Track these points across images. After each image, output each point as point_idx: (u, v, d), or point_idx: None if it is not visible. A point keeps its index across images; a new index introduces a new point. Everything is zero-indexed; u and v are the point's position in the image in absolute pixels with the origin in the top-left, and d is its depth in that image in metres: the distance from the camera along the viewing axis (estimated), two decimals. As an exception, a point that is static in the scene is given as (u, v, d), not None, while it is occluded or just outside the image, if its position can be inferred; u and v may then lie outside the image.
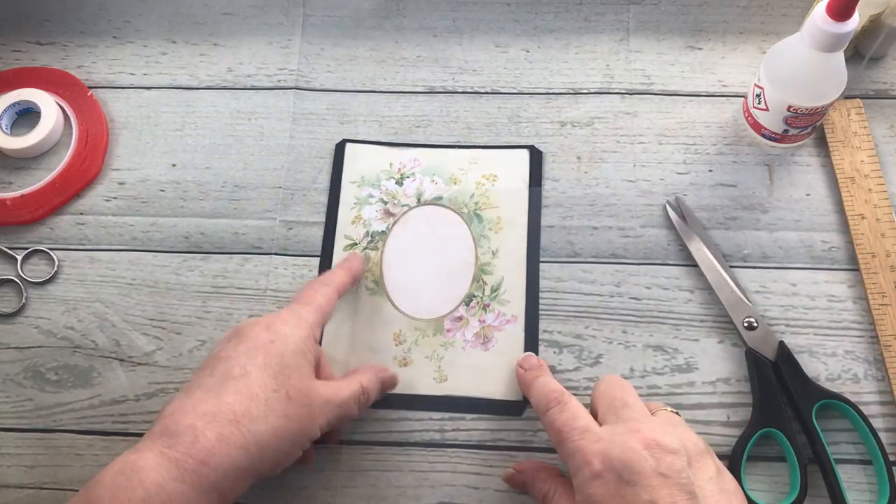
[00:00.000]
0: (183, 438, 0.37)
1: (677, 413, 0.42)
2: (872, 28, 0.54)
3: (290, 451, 0.40)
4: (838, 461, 0.45)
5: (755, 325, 0.49)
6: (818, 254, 0.52)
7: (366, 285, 0.52)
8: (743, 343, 0.49)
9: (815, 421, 0.45)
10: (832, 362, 0.48)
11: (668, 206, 0.53)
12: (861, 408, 0.46)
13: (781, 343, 0.48)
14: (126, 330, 0.52)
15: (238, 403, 0.39)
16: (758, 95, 0.52)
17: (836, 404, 0.46)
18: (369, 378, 0.45)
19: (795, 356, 0.47)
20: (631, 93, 0.57)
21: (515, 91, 0.58)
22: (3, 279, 0.53)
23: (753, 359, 0.48)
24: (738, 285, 0.50)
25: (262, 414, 0.39)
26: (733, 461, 0.45)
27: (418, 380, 0.49)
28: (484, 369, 0.49)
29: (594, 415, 0.42)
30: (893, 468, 0.45)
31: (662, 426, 0.39)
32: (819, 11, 0.46)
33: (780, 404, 0.46)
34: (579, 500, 0.39)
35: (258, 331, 0.42)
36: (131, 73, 0.60)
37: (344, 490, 0.47)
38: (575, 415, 0.41)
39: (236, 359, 0.40)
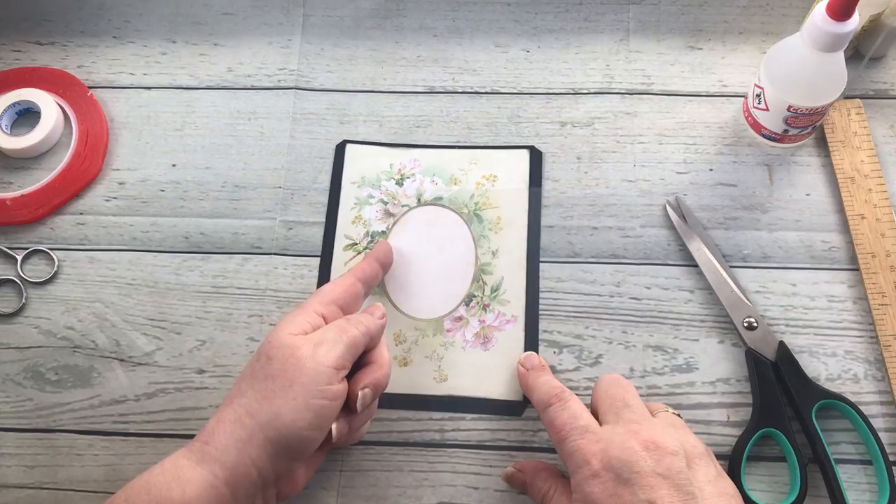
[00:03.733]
0: (199, 433, 0.41)
1: (678, 415, 0.42)
2: (872, 28, 0.54)
3: (296, 412, 0.39)
4: (838, 461, 0.45)
5: (755, 325, 0.49)
6: (818, 254, 0.52)
7: (366, 285, 0.52)
8: (743, 343, 0.49)
9: (815, 421, 0.45)
10: (832, 362, 0.48)
11: (668, 206, 0.53)
12: (861, 408, 0.46)
13: (781, 343, 0.48)
14: (126, 330, 0.52)
15: (232, 390, 0.41)
16: (758, 95, 0.52)
17: (836, 404, 0.46)
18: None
19: (795, 356, 0.47)
20: (631, 93, 0.57)
21: (515, 91, 0.58)
22: (3, 279, 0.53)
23: (753, 359, 0.48)
24: (738, 285, 0.50)
25: (249, 385, 0.41)
26: (733, 461, 0.45)
27: (418, 380, 0.49)
28: (484, 369, 0.49)
29: (594, 414, 0.42)
30: (893, 468, 0.45)
31: (662, 428, 0.40)
32: (819, 11, 0.46)
33: (780, 404, 0.46)
34: (577, 498, 0.39)
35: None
36: (131, 73, 0.60)
37: (344, 490, 0.47)
38: (575, 414, 0.41)
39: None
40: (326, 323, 0.43)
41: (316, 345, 0.41)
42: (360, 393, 0.42)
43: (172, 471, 0.39)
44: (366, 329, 0.43)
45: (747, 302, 0.49)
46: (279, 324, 0.42)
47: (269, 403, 0.39)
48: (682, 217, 0.52)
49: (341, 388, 0.41)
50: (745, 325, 0.49)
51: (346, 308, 0.45)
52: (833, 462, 0.44)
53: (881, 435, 0.46)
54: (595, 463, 0.38)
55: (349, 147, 0.56)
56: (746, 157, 0.55)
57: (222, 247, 0.54)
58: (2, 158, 0.57)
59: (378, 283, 0.50)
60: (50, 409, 0.50)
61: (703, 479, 0.38)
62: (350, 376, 0.43)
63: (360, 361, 0.44)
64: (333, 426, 0.41)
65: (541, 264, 0.52)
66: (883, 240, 0.51)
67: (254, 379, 0.41)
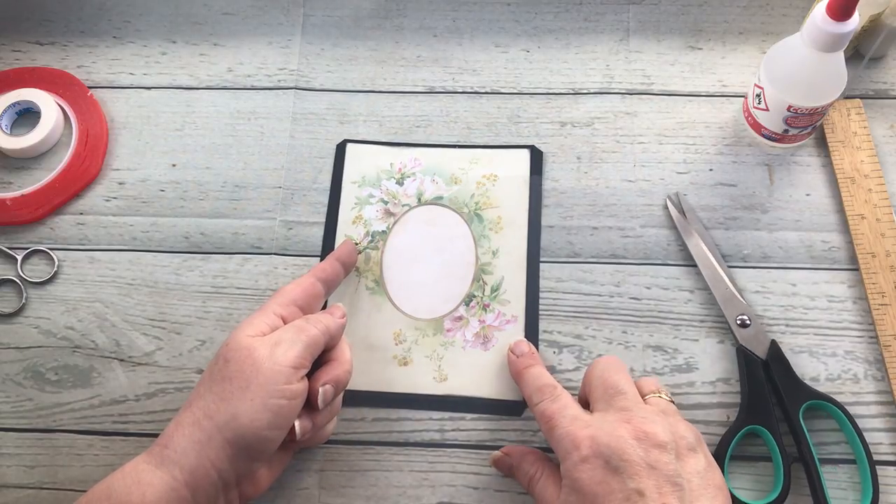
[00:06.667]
0: (159, 437, 0.41)
1: (671, 400, 0.42)
2: (872, 28, 0.54)
3: (254, 413, 0.39)
4: (823, 461, 0.45)
5: (748, 322, 0.49)
6: (818, 254, 0.52)
7: (366, 285, 0.52)
8: (735, 340, 0.49)
9: (801, 420, 0.45)
10: (832, 362, 0.48)
11: (668, 201, 0.53)
12: (860, 408, 0.46)
13: (773, 342, 0.48)
14: (126, 330, 0.52)
15: (191, 393, 0.41)
16: (758, 95, 0.52)
17: (823, 405, 0.46)
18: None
19: (794, 356, 0.48)
20: (631, 93, 0.57)
21: (515, 91, 0.58)
22: (3, 279, 0.53)
23: (744, 356, 0.48)
24: (733, 283, 0.50)
25: (207, 388, 0.41)
26: (717, 457, 0.45)
27: (418, 380, 0.49)
28: (484, 369, 0.49)
29: (584, 395, 0.43)
30: (877, 470, 0.45)
31: (653, 416, 0.40)
32: (819, 11, 0.46)
33: (767, 402, 0.46)
34: (566, 484, 0.39)
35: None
36: (131, 73, 0.60)
37: (344, 490, 0.47)
38: (566, 405, 0.42)
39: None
40: (285, 323, 0.43)
41: (273, 345, 0.41)
42: (320, 390, 0.42)
43: (132, 475, 0.39)
44: (325, 327, 0.43)
45: (741, 300, 0.49)
46: (238, 326, 0.42)
47: (227, 405, 0.39)
48: (682, 212, 0.52)
49: (300, 386, 0.41)
50: (739, 322, 0.49)
51: (306, 308, 0.45)
52: (818, 462, 0.44)
53: (881, 435, 0.46)
54: (584, 448, 0.38)
55: (349, 146, 0.56)
56: (746, 157, 0.55)
57: (222, 247, 0.54)
58: (2, 158, 0.57)
59: (340, 282, 0.49)
60: (50, 409, 0.50)
61: (691, 470, 0.38)
62: (311, 375, 0.43)
63: (321, 360, 0.44)
64: (296, 423, 0.41)
65: (541, 264, 0.52)
66: (883, 240, 0.51)
67: (212, 381, 0.41)
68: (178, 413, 0.41)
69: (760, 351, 0.48)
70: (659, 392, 0.42)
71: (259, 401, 0.39)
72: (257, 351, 0.40)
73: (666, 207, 0.53)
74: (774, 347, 0.48)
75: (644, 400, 0.42)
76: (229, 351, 0.41)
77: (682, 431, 0.40)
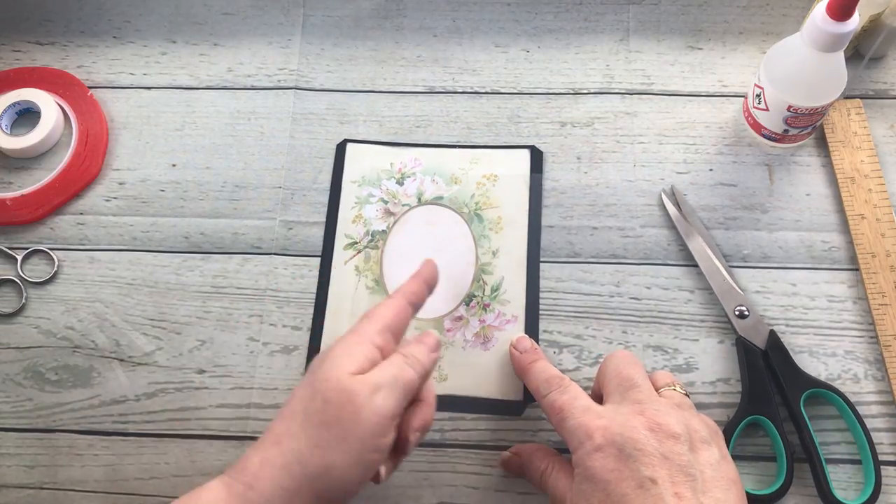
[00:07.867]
0: (237, 466, 0.38)
1: (686, 394, 0.42)
2: (872, 28, 0.54)
3: (347, 468, 0.37)
4: (825, 448, 0.45)
5: (746, 313, 0.49)
6: (818, 254, 0.52)
7: (366, 284, 0.52)
8: (734, 331, 0.49)
9: (802, 409, 0.46)
10: (832, 362, 0.48)
11: (662, 194, 0.53)
12: (861, 408, 0.46)
13: (772, 332, 0.48)
14: (126, 330, 0.52)
15: (279, 425, 0.38)
16: (758, 95, 0.52)
17: (824, 393, 0.46)
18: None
19: (794, 356, 0.47)
20: (631, 93, 0.57)
21: (515, 91, 0.58)
22: (3, 279, 0.53)
23: (744, 347, 0.48)
24: (730, 274, 0.50)
25: (301, 428, 0.38)
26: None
27: (418, 380, 0.49)
28: (484, 369, 0.49)
29: (599, 389, 0.43)
30: (878, 456, 0.45)
31: (667, 409, 0.40)
32: (819, 11, 0.46)
33: (768, 392, 0.46)
34: (578, 473, 0.39)
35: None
36: (131, 73, 0.60)
37: (344, 490, 0.47)
38: (576, 395, 0.41)
39: None
40: (382, 355, 0.40)
41: (373, 390, 0.38)
42: (411, 438, 0.40)
43: None
44: (423, 370, 0.40)
45: (739, 291, 0.50)
46: (335, 355, 0.39)
47: (322, 455, 0.37)
48: (677, 206, 0.53)
49: (393, 437, 0.39)
50: (737, 313, 0.49)
51: (397, 334, 0.42)
52: (819, 450, 0.45)
53: (881, 435, 0.46)
54: (597, 437, 0.38)
55: (350, 146, 0.56)
56: (746, 157, 0.55)
57: (222, 247, 0.54)
58: (2, 158, 0.57)
59: (423, 306, 0.45)
60: (50, 409, 0.50)
61: (704, 462, 0.38)
62: None
63: None
64: (382, 469, 0.39)
65: (541, 264, 0.52)
66: (883, 240, 0.51)
67: (307, 422, 0.38)
68: (262, 445, 0.38)
69: (759, 341, 0.48)
70: (674, 385, 0.42)
71: (356, 455, 0.37)
72: (358, 397, 0.37)
73: (661, 196, 0.53)
74: (773, 337, 0.48)
75: (658, 393, 0.41)
76: (329, 391, 0.38)
77: (695, 424, 0.40)
